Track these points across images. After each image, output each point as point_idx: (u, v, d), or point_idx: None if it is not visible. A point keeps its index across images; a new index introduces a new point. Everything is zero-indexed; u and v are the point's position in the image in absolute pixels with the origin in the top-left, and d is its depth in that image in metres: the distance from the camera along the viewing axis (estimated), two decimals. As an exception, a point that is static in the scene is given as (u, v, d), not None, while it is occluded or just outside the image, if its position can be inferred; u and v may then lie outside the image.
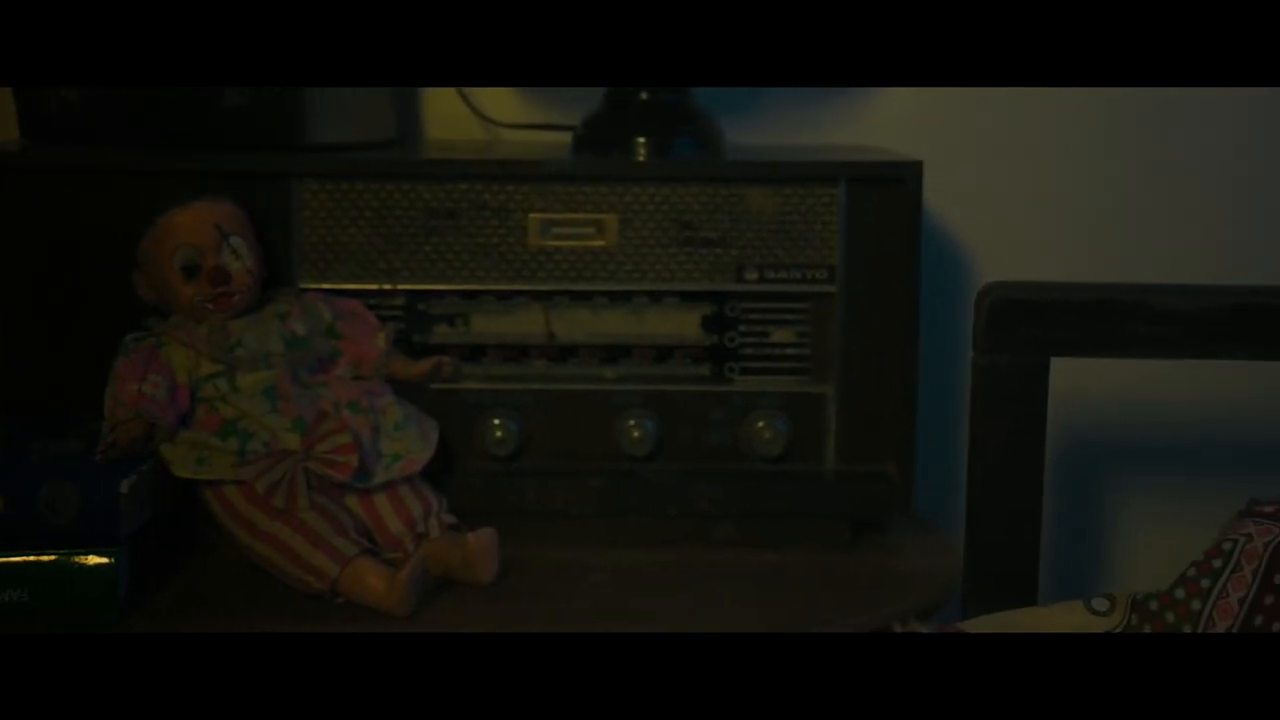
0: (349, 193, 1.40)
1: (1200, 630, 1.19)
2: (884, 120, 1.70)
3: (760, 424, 1.42)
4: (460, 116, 1.66)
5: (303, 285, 1.40)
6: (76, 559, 1.21)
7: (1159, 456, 1.77)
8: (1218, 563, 1.20)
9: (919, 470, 1.46)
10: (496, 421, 1.41)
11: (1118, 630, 1.23)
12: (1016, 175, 1.71)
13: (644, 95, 1.50)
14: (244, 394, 1.32)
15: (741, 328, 1.42)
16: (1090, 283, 1.28)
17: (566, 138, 1.54)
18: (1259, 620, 1.17)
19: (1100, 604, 1.25)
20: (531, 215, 1.40)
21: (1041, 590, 1.69)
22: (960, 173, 1.70)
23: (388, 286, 1.41)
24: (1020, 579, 1.30)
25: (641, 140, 1.47)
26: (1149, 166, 1.71)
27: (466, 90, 1.66)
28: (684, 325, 1.43)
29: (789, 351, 1.43)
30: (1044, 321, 1.27)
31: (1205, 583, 1.20)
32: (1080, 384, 1.70)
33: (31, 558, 1.21)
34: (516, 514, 1.41)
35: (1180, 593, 1.21)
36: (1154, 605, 1.22)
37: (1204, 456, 1.75)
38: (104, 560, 1.22)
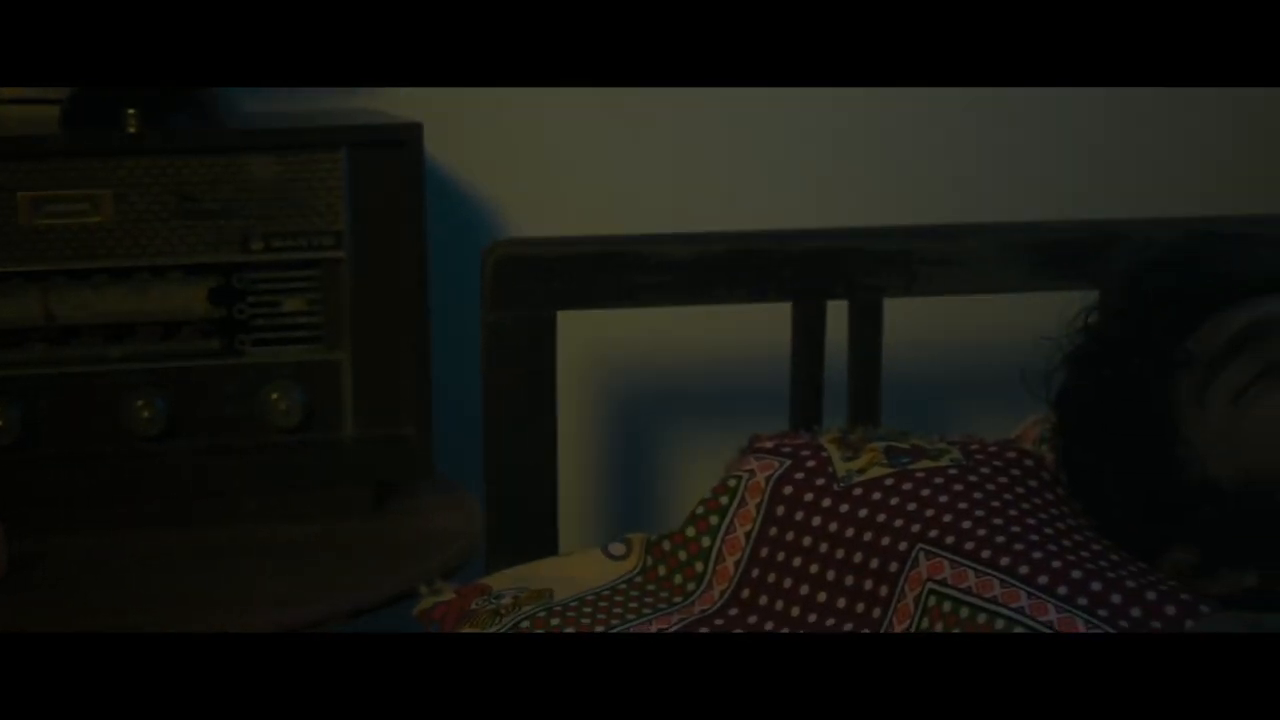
0: None
1: (712, 566, 1.23)
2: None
3: (275, 395, 1.40)
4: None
5: None
6: None
7: (698, 400, 1.81)
8: (724, 499, 1.25)
9: (442, 432, 1.46)
10: (-4, 410, 1.36)
11: (635, 573, 1.26)
12: (530, 133, 1.73)
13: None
14: None
15: (251, 299, 1.40)
16: (590, 236, 1.31)
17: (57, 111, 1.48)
18: (765, 552, 1.21)
19: (617, 548, 1.28)
20: (20, 193, 1.35)
21: (594, 539, 1.72)
22: (474, 133, 1.70)
23: None
24: (540, 530, 1.33)
25: (132, 112, 1.42)
26: (653, 119, 1.75)
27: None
28: (191, 299, 1.39)
29: (301, 320, 1.41)
30: (548, 276, 1.30)
31: (714, 519, 1.24)
32: (614, 334, 1.73)
33: None
34: (26, 504, 1.35)
35: (691, 530, 1.25)
36: (667, 545, 1.26)
37: (737, 398, 1.81)
38: None
